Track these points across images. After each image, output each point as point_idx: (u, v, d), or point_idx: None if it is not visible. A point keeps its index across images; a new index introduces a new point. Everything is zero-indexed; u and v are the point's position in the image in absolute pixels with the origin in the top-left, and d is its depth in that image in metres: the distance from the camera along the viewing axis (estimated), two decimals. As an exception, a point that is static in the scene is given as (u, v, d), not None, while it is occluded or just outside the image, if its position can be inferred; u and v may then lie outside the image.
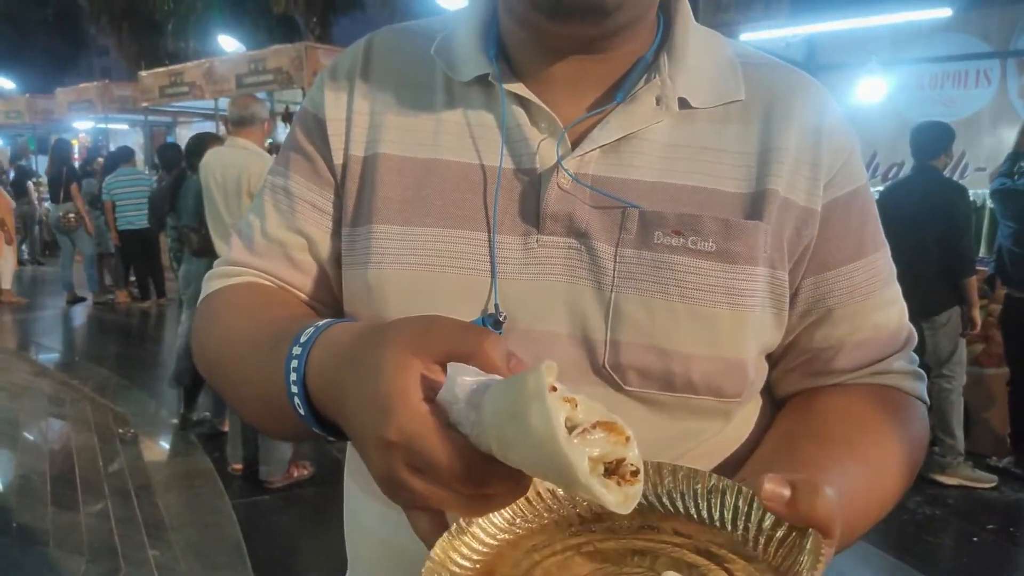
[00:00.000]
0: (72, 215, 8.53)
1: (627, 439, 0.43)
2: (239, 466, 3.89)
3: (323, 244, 0.76)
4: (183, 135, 11.72)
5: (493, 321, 0.66)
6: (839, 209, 0.70)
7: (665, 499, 0.55)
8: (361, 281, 0.71)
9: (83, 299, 8.83)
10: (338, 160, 0.74)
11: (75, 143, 14.31)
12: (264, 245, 0.77)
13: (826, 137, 0.70)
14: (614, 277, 0.66)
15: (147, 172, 7.54)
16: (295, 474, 3.81)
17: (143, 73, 12.28)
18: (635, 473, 0.43)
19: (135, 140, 14.16)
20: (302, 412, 0.57)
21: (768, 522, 0.50)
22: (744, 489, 0.52)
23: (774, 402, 0.78)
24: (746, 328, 0.66)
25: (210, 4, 18.35)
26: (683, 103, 0.69)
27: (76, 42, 32.17)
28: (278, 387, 0.59)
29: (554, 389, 0.41)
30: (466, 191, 0.70)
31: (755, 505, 0.51)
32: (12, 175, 11.91)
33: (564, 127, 0.68)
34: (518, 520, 0.54)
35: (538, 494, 0.56)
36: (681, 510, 0.55)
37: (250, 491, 3.71)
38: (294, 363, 0.57)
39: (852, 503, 0.58)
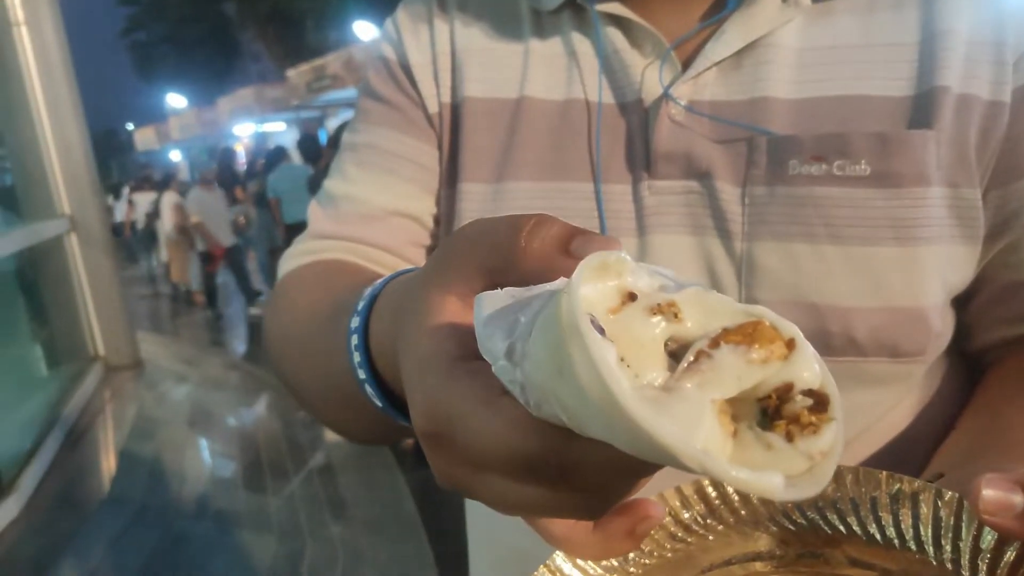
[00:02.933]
0: (242, 217, 9.15)
1: (788, 344, 0.23)
2: (411, 441, 4.03)
3: (424, 203, 0.66)
4: (333, 127, 12.24)
5: None
6: None
7: (832, 514, 0.41)
8: None
9: (260, 292, 9.48)
10: (433, 109, 0.66)
11: (238, 148, 15.37)
12: (350, 211, 0.67)
13: (1009, 5, 0.55)
14: (744, 223, 0.55)
15: (304, 166, 7.90)
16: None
17: (290, 72, 12.95)
18: (817, 407, 0.22)
19: (292, 137, 14.97)
20: (379, 403, 0.42)
21: (989, 539, 0.36)
22: (946, 493, 0.38)
23: (969, 360, 0.62)
24: (922, 267, 0.53)
25: (343, -5, 19.05)
26: None
27: (231, 52, 34.43)
28: (345, 375, 0.44)
29: (632, 297, 0.23)
30: (563, 134, 0.60)
31: (965, 515, 0.37)
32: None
33: (670, 45, 0.57)
34: (630, 555, 0.44)
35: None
36: (856, 528, 0.40)
37: (422, 466, 3.82)
38: (354, 339, 0.42)
39: None
